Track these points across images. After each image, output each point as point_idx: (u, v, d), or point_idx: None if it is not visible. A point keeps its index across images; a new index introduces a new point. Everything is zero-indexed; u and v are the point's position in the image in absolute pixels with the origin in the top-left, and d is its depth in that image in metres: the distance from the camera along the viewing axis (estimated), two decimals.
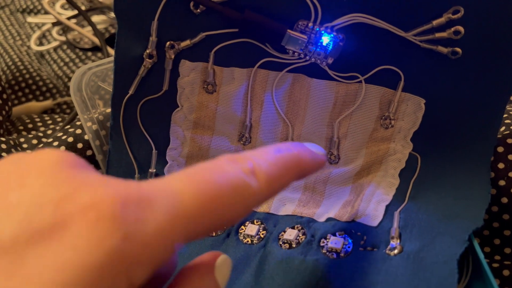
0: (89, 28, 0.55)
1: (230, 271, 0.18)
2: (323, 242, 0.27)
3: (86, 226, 0.13)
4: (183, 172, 0.16)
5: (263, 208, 0.30)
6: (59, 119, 0.45)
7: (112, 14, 0.56)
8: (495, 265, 0.30)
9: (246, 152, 0.18)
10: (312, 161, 0.21)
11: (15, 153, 0.16)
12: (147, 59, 0.29)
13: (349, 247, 0.26)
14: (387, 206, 0.28)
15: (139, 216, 0.14)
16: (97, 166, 0.34)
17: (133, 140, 0.31)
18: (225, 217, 0.16)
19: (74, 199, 0.13)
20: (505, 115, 0.31)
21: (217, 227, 0.16)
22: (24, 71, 0.51)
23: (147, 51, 0.29)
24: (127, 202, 0.14)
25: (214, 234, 0.29)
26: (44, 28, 0.58)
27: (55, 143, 0.34)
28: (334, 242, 0.26)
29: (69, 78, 0.53)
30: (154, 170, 0.31)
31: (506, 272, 0.29)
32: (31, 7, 0.63)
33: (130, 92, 0.30)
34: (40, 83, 0.51)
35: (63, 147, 0.34)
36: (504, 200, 0.28)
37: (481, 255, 0.24)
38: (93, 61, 0.54)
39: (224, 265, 0.18)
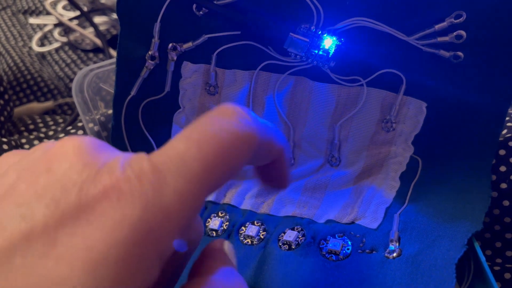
0: (91, 29, 0.55)
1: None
2: (323, 244, 0.27)
3: (109, 206, 0.14)
4: (184, 133, 0.16)
5: (263, 209, 0.30)
6: (60, 120, 0.45)
7: (114, 15, 0.56)
8: (497, 268, 0.30)
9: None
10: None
11: (44, 142, 0.17)
12: (149, 61, 0.29)
13: (348, 249, 0.26)
14: (387, 209, 0.28)
15: (155, 187, 0.14)
16: None
17: (135, 141, 0.31)
18: (232, 164, 0.16)
19: (95, 182, 0.14)
20: (507, 118, 0.31)
21: (229, 176, 0.16)
22: (26, 72, 0.51)
23: (149, 52, 0.29)
24: (141, 176, 0.14)
25: (215, 234, 0.29)
26: (46, 29, 0.58)
27: None
28: (333, 244, 0.27)
29: (71, 79, 0.53)
30: None
31: (507, 275, 0.29)
32: (33, 8, 0.63)
33: (132, 93, 0.30)
34: (42, 84, 0.51)
35: None
36: (506, 203, 0.28)
37: (483, 258, 0.24)
38: (95, 62, 0.54)
39: (231, 249, 0.20)
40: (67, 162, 0.15)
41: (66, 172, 0.15)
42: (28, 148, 0.38)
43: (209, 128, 0.16)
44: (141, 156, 0.15)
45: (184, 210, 0.15)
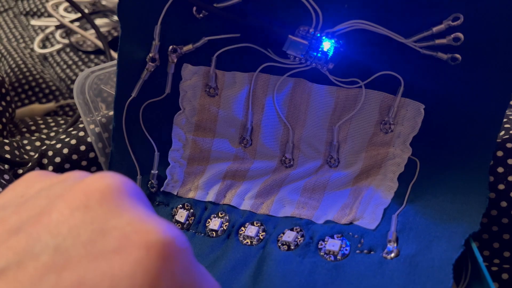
0: (92, 31, 0.55)
1: None
2: (321, 245, 0.27)
3: (146, 257, 0.14)
4: None
5: (263, 210, 0.30)
6: (62, 122, 0.45)
7: (115, 18, 0.57)
8: (494, 268, 0.30)
9: None
10: None
11: (77, 171, 0.18)
12: (150, 63, 0.30)
13: (346, 250, 0.27)
14: (385, 210, 0.28)
15: (183, 261, 0.15)
16: (99, 168, 0.35)
17: (135, 142, 0.32)
18: None
19: (134, 230, 0.15)
20: (504, 120, 0.31)
21: None
22: (28, 74, 0.52)
23: (150, 54, 0.29)
24: (176, 246, 0.15)
25: (214, 235, 0.30)
26: (48, 31, 0.58)
27: (58, 145, 0.35)
28: (332, 244, 0.27)
29: (72, 81, 0.53)
30: (156, 172, 0.31)
31: (505, 276, 0.30)
32: (35, 10, 0.64)
33: (133, 95, 0.30)
34: (43, 86, 0.51)
35: (66, 149, 0.34)
36: (503, 204, 0.28)
37: (480, 259, 0.24)
38: (96, 64, 0.54)
39: None
40: (106, 203, 0.15)
41: (105, 214, 0.15)
42: (30, 149, 0.39)
43: None
44: (175, 227, 0.16)
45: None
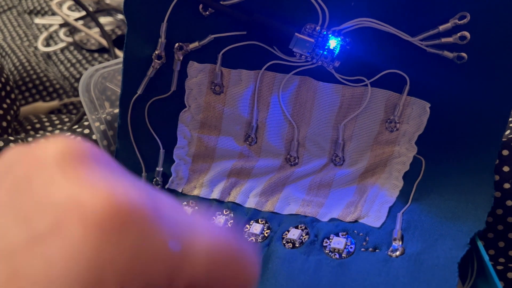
0: (96, 29, 0.55)
1: None
2: (326, 242, 0.27)
3: (83, 233, 0.12)
4: None
5: (267, 208, 0.30)
6: (66, 119, 0.45)
7: (119, 16, 0.57)
8: (500, 267, 0.30)
9: None
10: None
11: (21, 145, 0.15)
12: (156, 60, 0.30)
13: (351, 247, 0.27)
14: (390, 208, 0.28)
15: (136, 230, 0.13)
16: None
17: (141, 139, 0.32)
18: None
19: (72, 204, 0.12)
20: (510, 119, 0.31)
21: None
22: (31, 72, 0.52)
23: (156, 52, 0.29)
24: (121, 217, 0.12)
25: None
26: (51, 29, 0.59)
27: None
28: (337, 242, 0.27)
29: (76, 79, 0.53)
30: (161, 169, 0.32)
31: (510, 275, 0.30)
32: (39, 8, 0.64)
33: (139, 92, 0.30)
34: (47, 84, 0.51)
35: None
36: (509, 203, 0.28)
37: (486, 257, 0.24)
38: (100, 62, 0.54)
39: None
40: (46, 175, 0.13)
41: (45, 188, 0.13)
42: None
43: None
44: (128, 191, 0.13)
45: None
